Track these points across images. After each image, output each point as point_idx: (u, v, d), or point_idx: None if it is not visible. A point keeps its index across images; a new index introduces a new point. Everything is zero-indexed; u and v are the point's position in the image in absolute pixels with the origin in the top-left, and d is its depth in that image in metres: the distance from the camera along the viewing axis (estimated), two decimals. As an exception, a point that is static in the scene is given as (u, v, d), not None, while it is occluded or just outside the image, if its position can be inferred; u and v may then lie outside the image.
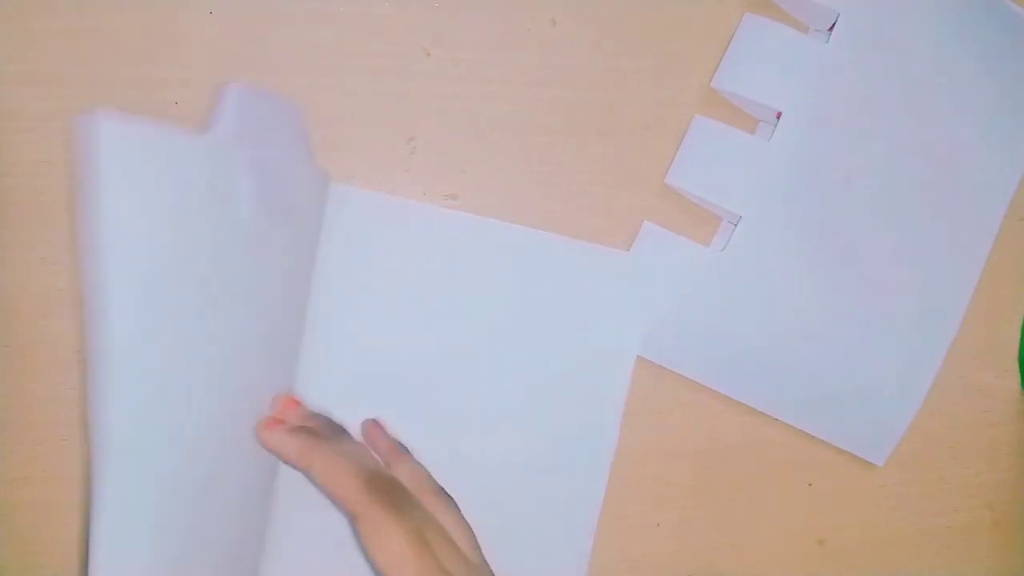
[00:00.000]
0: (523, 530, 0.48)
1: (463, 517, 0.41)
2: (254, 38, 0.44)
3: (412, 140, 0.46)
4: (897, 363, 0.49)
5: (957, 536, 0.51)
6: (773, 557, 0.49)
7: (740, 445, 0.49)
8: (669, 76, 0.48)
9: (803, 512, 0.48)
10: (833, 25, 0.47)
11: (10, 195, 0.42)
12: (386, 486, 0.37)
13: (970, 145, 0.49)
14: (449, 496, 0.41)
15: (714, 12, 0.48)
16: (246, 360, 0.40)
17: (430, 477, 0.42)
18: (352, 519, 0.36)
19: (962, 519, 0.51)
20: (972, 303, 0.49)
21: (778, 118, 0.47)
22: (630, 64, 0.47)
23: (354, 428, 0.44)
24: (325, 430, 0.40)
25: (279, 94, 0.43)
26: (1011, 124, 0.50)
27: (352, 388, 0.45)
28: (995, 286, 0.50)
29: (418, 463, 0.43)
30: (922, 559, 0.50)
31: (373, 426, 0.45)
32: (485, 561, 0.40)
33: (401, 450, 0.44)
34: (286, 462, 0.39)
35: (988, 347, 0.51)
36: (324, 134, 0.45)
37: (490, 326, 0.47)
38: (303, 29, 0.44)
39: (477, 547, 0.40)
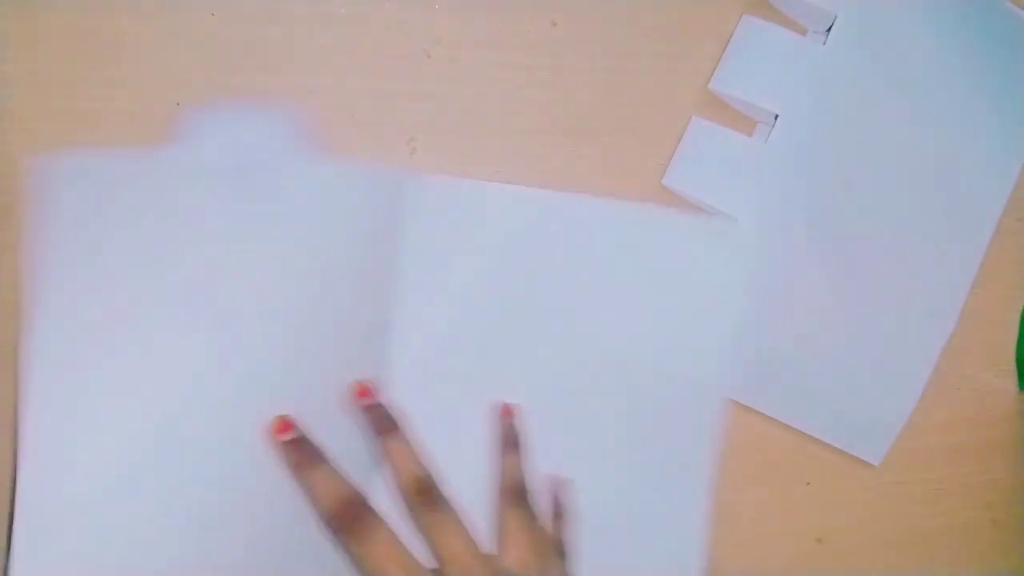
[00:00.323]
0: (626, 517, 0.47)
1: (531, 521, 0.41)
2: (254, 39, 0.44)
3: (412, 140, 0.46)
4: (892, 362, 0.49)
5: (955, 535, 0.51)
6: (772, 555, 0.49)
7: (739, 445, 0.49)
8: (667, 77, 0.48)
9: (801, 511, 0.48)
10: (831, 27, 0.48)
11: (10, 195, 0.42)
12: (348, 515, 0.38)
13: (967, 146, 0.49)
14: (523, 502, 0.42)
15: (712, 14, 0.48)
16: (267, 348, 0.41)
17: (516, 477, 0.43)
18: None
19: (960, 518, 0.51)
20: (970, 303, 0.49)
21: (776, 120, 0.47)
22: (628, 65, 0.48)
23: (432, 418, 0.43)
24: (381, 422, 0.42)
25: (261, 101, 0.44)
26: (1008, 125, 0.50)
27: (443, 376, 0.45)
28: (993, 286, 0.50)
29: (517, 463, 0.43)
30: (920, 558, 0.50)
31: (504, 410, 0.45)
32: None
33: (512, 444, 0.44)
34: None
35: (986, 347, 0.51)
36: (325, 134, 0.45)
37: (585, 304, 0.47)
38: (303, 30, 0.44)
39: (539, 552, 0.40)
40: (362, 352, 0.44)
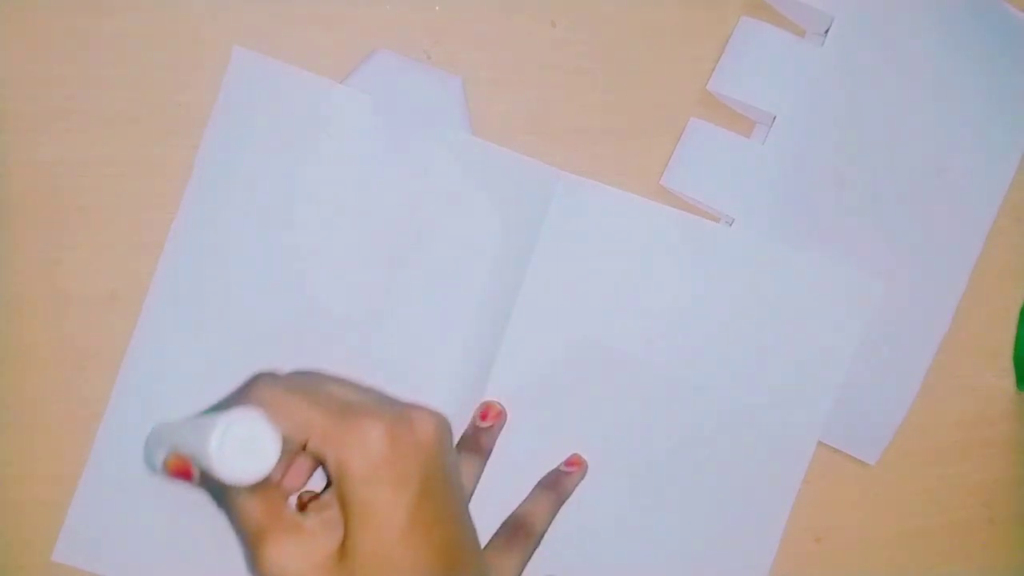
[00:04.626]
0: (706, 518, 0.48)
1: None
2: (255, 40, 0.44)
3: (412, 141, 0.46)
4: (888, 362, 0.49)
5: (954, 534, 0.51)
6: (771, 555, 0.49)
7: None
8: (666, 78, 0.48)
9: (799, 510, 0.48)
10: (828, 29, 0.48)
11: (11, 195, 0.42)
12: None
13: (964, 146, 0.49)
14: None
15: (711, 15, 0.48)
16: (381, 308, 0.45)
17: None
18: None
19: (958, 517, 0.51)
20: (968, 303, 0.50)
21: (773, 121, 0.47)
22: (627, 65, 0.48)
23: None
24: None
25: (437, 68, 0.45)
26: (1005, 125, 0.50)
27: (547, 378, 0.46)
28: (991, 286, 0.50)
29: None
30: (918, 557, 0.50)
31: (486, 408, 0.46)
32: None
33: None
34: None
35: (984, 347, 0.51)
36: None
37: (700, 329, 0.47)
38: (303, 31, 0.44)
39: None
40: (477, 336, 0.46)
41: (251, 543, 0.34)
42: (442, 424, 0.36)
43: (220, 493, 0.35)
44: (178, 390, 0.43)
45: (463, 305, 0.45)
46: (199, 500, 0.42)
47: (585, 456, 0.46)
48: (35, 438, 0.42)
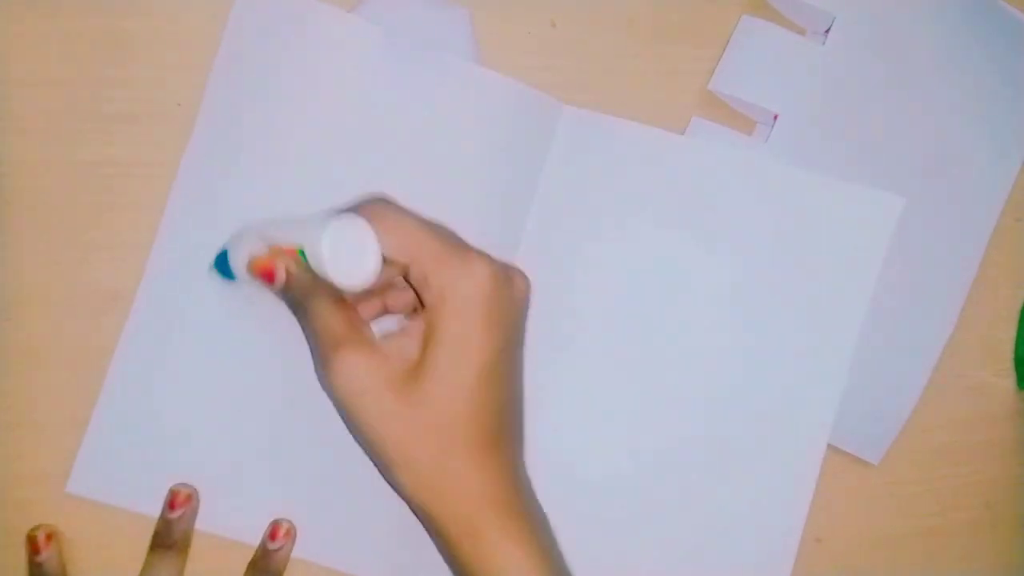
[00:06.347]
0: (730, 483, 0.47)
1: None
2: None
3: (412, 140, 0.46)
4: (892, 362, 0.49)
5: (955, 535, 0.51)
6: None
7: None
8: (667, 78, 0.48)
9: (801, 511, 0.48)
10: (829, 28, 0.48)
11: (10, 195, 0.42)
12: None
13: (966, 146, 0.49)
14: None
15: (712, 14, 0.48)
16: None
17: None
18: None
19: (960, 518, 0.51)
20: (969, 303, 0.50)
21: (775, 120, 0.47)
22: (628, 66, 0.48)
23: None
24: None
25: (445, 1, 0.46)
26: (1006, 125, 0.50)
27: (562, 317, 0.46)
28: (992, 286, 0.50)
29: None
30: (919, 558, 0.50)
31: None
32: None
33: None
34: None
35: (985, 347, 0.51)
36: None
37: (711, 259, 0.46)
38: (304, 30, 0.44)
39: None
40: None
41: (326, 351, 0.35)
42: (529, 293, 0.38)
43: (302, 301, 0.36)
44: (198, 297, 0.43)
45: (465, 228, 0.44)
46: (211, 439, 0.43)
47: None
48: (35, 438, 0.42)
